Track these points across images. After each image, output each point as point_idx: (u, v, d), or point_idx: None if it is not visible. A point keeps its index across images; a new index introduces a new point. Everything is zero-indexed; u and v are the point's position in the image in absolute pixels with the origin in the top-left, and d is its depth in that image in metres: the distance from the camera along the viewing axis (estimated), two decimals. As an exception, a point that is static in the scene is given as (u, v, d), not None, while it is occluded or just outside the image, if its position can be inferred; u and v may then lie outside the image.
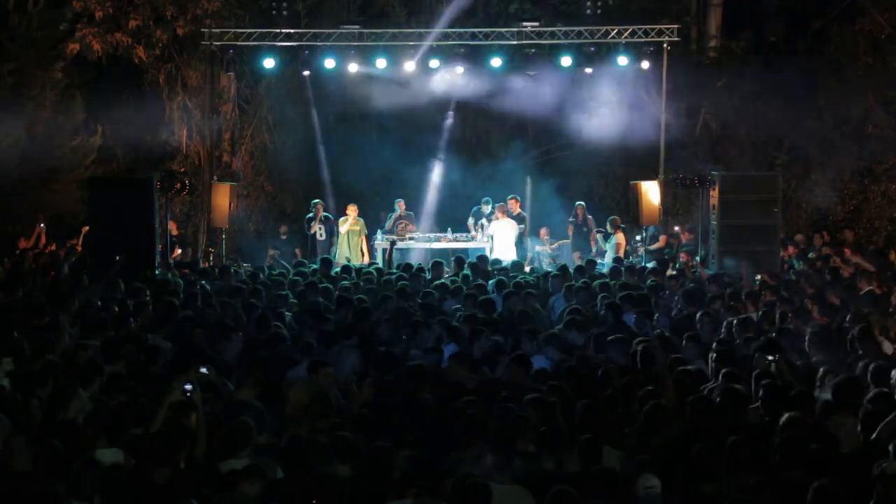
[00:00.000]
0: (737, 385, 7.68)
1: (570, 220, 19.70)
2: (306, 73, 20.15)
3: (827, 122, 21.32)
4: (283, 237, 20.97)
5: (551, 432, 6.69)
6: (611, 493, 5.88)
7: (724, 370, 8.18)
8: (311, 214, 19.33)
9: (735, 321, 10.37)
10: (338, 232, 19.09)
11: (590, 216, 19.68)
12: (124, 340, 9.28)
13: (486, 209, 19.58)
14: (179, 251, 18.90)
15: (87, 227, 17.30)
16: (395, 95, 21.10)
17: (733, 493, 5.87)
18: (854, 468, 6.06)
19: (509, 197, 19.52)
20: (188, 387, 6.78)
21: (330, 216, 19.55)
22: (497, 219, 18.73)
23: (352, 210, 19.17)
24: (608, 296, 11.95)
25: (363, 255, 19.02)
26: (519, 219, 19.08)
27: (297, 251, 19.91)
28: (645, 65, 19.56)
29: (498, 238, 18.47)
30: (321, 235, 19.06)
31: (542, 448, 6.60)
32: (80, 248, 17.52)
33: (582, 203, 19.65)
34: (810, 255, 17.08)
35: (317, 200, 19.68)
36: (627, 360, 9.05)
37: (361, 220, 19.24)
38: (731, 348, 9.32)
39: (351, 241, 18.91)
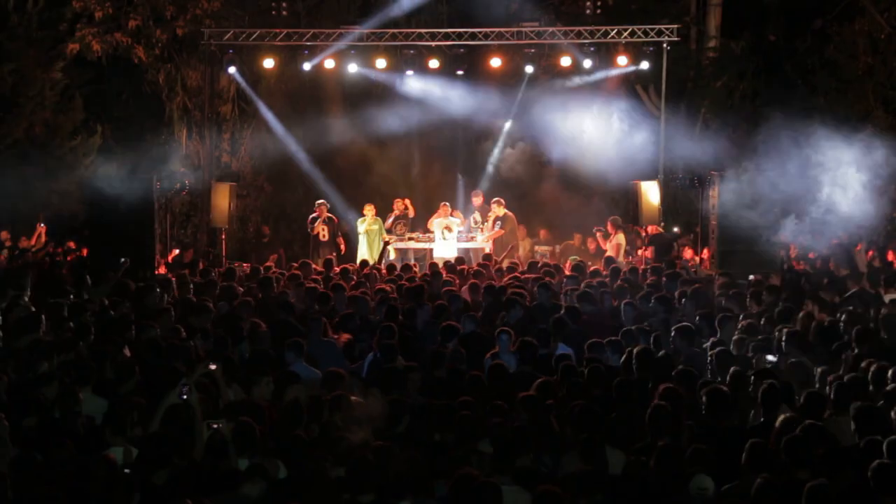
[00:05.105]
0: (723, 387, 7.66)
1: (599, 228, 18.52)
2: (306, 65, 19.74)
3: (827, 123, 21.27)
4: (265, 240, 20.57)
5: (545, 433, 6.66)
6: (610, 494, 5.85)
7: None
8: (314, 215, 18.48)
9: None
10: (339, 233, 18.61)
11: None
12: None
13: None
14: (178, 251, 18.86)
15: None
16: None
17: (733, 494, 5.86)
18: (851, 468, 6.06)
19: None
20: (184, 388, 6.77)
21: (333, 217, 18.64)
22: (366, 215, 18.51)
23: (369, 210, 18.47)
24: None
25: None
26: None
27: (281, 251, 19.41)
28: (645, 65, 19.50)
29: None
30: (324, 236, 18.15)
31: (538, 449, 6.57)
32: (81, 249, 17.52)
33: (617, 217, 18.31)
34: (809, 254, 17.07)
35: (321, 201, 18.73)
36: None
37: (379, 220, 18.47)
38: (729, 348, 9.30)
39: (370, 242, 18.20)
